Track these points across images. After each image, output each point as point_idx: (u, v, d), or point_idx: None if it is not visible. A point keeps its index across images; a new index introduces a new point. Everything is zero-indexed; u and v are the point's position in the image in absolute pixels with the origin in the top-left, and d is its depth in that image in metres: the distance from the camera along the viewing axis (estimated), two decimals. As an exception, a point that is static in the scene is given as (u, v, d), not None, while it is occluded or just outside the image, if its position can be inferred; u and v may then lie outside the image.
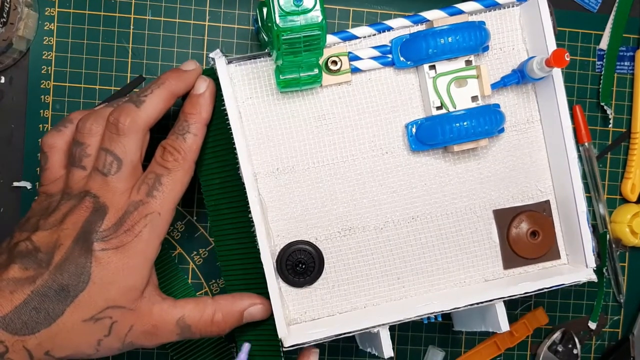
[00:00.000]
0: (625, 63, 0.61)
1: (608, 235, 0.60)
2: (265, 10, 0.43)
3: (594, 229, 0.60)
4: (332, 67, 0.47)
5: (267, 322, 0.48)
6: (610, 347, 0.62)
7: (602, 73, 0.60)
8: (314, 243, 0.48)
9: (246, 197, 0.45)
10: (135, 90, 0.55)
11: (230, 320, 0.47)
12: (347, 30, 0.47)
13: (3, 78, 0.54)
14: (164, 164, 0.45)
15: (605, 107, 0.60)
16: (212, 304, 0.47)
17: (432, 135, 0.47)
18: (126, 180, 0.45)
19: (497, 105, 0.48)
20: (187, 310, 0.46)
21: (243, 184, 0.45)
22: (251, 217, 0.45)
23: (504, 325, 0.48)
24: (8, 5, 0.49)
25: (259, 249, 0.45)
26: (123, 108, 0.45)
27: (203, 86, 0.46)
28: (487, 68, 0.47)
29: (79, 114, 0.48)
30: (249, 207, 0.45)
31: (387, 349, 0.46)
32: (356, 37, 0.47)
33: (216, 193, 0.48)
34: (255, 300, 0.47)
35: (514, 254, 0.50)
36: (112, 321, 0.43)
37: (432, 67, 0.47)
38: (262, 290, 0.47)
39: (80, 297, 0.42)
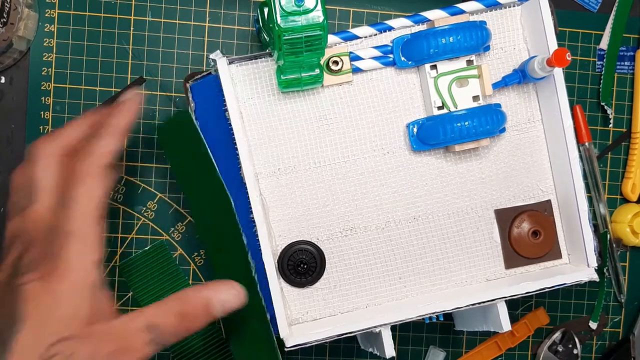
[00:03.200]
0: (626, 63, 0.61)
1: (609, 235, 0.60)
2: (266, 10, 0.43)
3: (595, 229, 0.60)
4: (334, 67, 0.47)
5: (262, 323, 0.47)
6: (611, 347, 0.62)
7: (602, 73, 0.60)
8: (316, 243, 0.48)
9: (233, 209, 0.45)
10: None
11: (197, 311, 0.43)
12: (348, 30, 0.47)
13: (3, 78, 0.54)
14: (76, 176, 0.42)
15: (605, 107, 0.60)
16: (175, 299, 0.43)
17: (433, 135, 0.47)
18: (43, 207, 0.42)
19: (499, 105, 0.48)
20: (150, 314, 0.42)
21: (245, 184, 0.45)
22: (252, 218, 0.45)
23: (506, 325, 0.48)
24: (8, 6, 0.49)
25: (246, 251, 0.45)
26: (41, 139, 0.45)
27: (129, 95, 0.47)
28: (489, 68, 0.47)
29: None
30: (250, 208, 0.45)
31: (389, 349, 0.46)
32: (357, 37, 0.47)
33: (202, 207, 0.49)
34: (220, 286, 0.44)
35: (516, 254, 0.50)
36: (67, 355, 0.38)
37: (434, 67, 0.47)
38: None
39: (19, 339, 0.38)
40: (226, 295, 0.44)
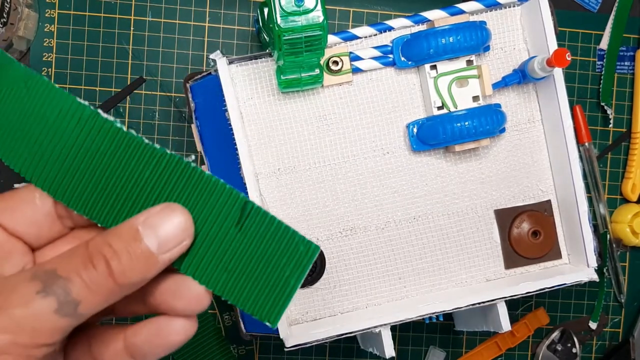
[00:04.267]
0: (626, 63, 0.61)
1: (608, 235, 0.60)
2: (266, 10, 0.43)
3: (595, 229, 0.61)
4: (334, 67, 0.47)
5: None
6: (611, 348, 0.62)
7: (602, 73, 0.60)
8: (316, 243, 0.48)
9: None
10: (136, 91, 0.55)
11: (120, 245, 0.28)
12: (348, 30, 0.47)
13: (3, 79, 0.54)
14: None
15: (605, 107, 0.60)
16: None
17: (433, 135, 0.47)
18: None
19: (499, 105, 0.48)
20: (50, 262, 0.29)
21: (245, 184, 0.45)
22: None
23: (506, 325, 0.48)
24: (8, 6, 0.49)
25: None
26: None
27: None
28: (488, 68, 0.47)
29: None
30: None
31: (389, 349, 0.46)
32: (357, 37, 0.47)
33: None
34: (152, 209, 0.29)
35: (516, 254, 0.50)
36: None
37: (433, 67, 0.47)
38: None
39: None
40: (159, 220, 0.28)
